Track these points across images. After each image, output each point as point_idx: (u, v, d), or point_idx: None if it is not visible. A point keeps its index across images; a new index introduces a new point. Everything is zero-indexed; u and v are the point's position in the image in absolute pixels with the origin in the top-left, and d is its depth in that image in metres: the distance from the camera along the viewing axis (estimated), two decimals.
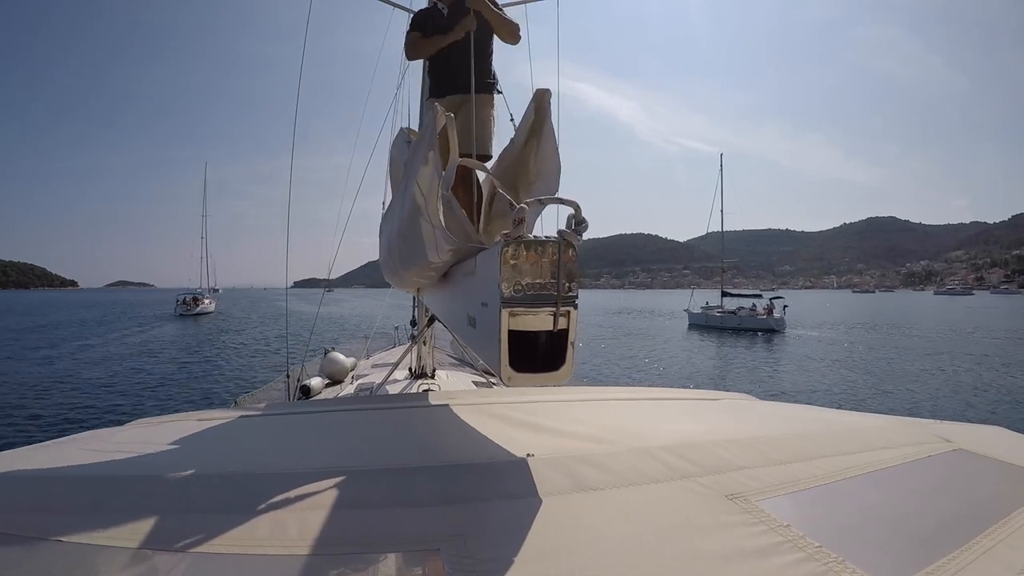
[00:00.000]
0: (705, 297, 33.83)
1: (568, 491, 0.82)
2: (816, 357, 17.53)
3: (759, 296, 29.52)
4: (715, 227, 33.02)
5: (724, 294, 29.94)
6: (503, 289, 0.78)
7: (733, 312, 27.93)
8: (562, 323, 0.82)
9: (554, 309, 0.80)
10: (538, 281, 0.79)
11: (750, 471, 0.90)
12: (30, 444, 1.29)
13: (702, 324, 28.59)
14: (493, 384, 3.55)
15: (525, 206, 0.80)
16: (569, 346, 0.85)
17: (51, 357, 17.08)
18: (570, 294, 0.81)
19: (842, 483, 0.89)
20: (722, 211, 32.48)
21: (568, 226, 0.83)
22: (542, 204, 0.85)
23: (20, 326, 31.09)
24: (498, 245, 0.80)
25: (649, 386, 2.30)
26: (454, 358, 4.82)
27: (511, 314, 0.78)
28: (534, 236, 0.80)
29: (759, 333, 25.05)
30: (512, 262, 0.78)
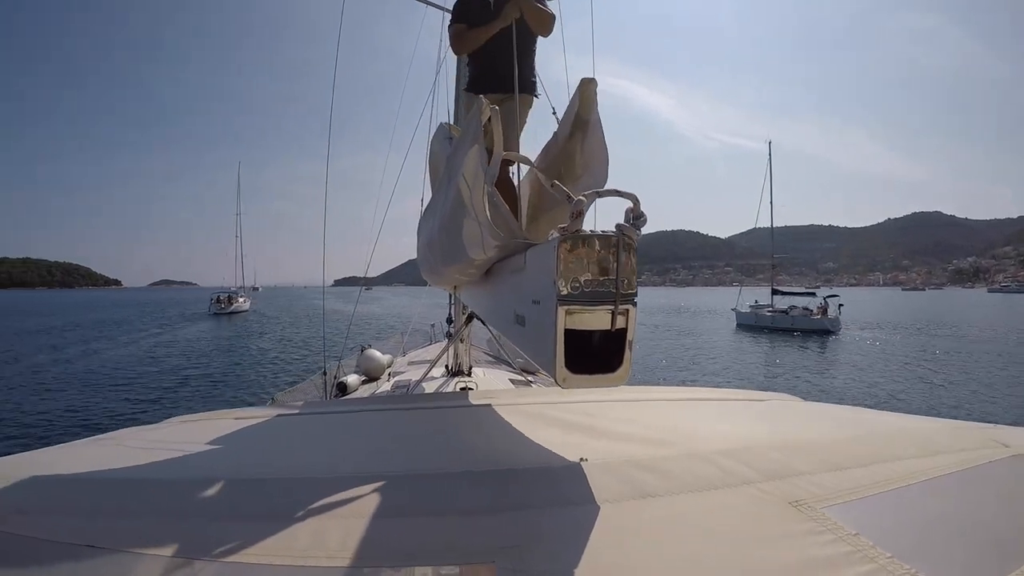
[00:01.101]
0: (753, 295, 32.58)
1: (625, 498, 0.80)
2: (880, 362, 16.42)
3: (812, 295, 28.04)
4: (763, 221, 32.22)
5: (774, 292, 28.68)
6: (560, 286, 0.75)
7: (784, 311, 26.63)
8: (620, 322, 0.78)
9: (612, 307, 0.77)
10: (596, 278, 0.76)
11: (811, 476, 0.88)
12: (73, 440, 1.32)
13: (751, 324, 27.46)
14: (531, 382, 3.54)
15: (584, 199, 0.77)
16: (627, 346, 0.81)
17: (84, 353, 18.06)
18: (629, 291, 0.78)
19: (904, 489, 0.87)
20: (771, 203, 30.99)
21: (627, 220, 0.79)
22: (599, 196, 0.82)
23: (50, 325, 32.48)
24: (554, 240, 0.77)
25: (690, 385, 2.24)
26: (490, 355, 4.83)
27: (568, 312, 0.75)
28: (591, 231, 0.77)
29: (812, 335, 23.78)
30: (569, 258, 0.75)
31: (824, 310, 25.27)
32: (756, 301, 30.04)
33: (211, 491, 0.84)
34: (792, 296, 28.60)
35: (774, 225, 31.18)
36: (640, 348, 19.23)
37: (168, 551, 0.66)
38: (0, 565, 0.66)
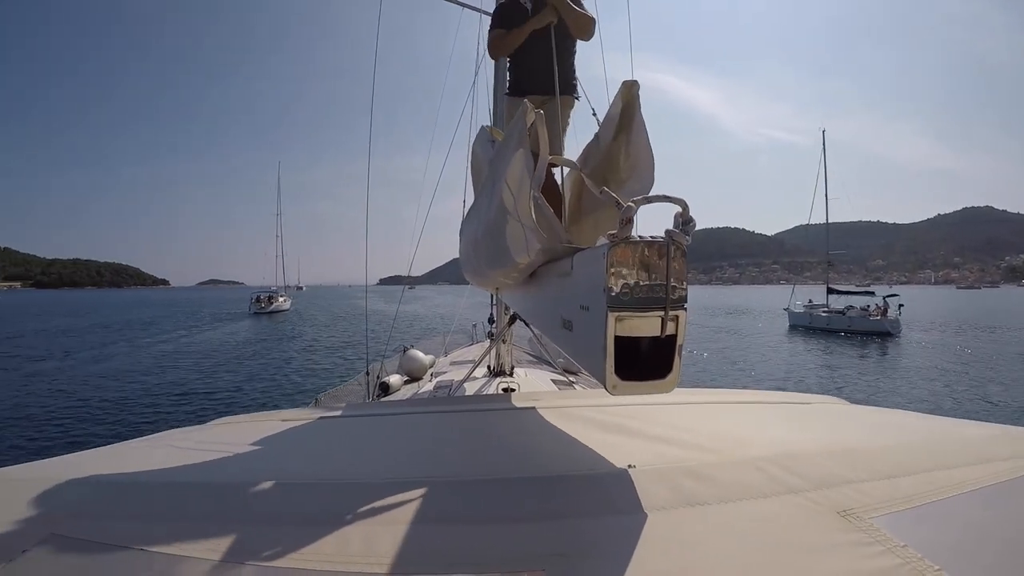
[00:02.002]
0: (806, 294, 30.85)
1: (674, 506, 0.80)
2: (948, 369, 15.16)
3: (871, 293, 26.29)
4: (817, 216, 30.70)
5: (830, 291, 27.08)
6: (610, 292, 0.76)
7: (841, 312, 25.11)
8: (670, 328, 0.79)
9: (663, 313, 0.77)
10: (646, 284, 0.77)
11: (859, 485, 0.86)
12: (125, 441, 1.38)
13: (805, 325, 26.17)
14: (573, 384, 3.53)
15: (632, 204, 0.78)
16: (677, 353, 0.82)
17: (127, 351, 19.08)
18: (679, 297, 0.78)
19: (956, 499, 0.84)
20: (826, 196, 29.43)
21: (675, 225, 0.80)
22: (649, 202, 0.82)
23: (85, 324, 34.17)
24: (603, 246, 0.78)
25: (736, 388, 2.20)
26: (532, 356, 4.85)
27: (618, 319, 0.76)
28: (640, 236, 0.78)
29: (872, 337, 22.33)
30: (619, 264, 0.76)
31: (884, 311, 23.82)
32: (810, 300, 28.63)
33: (257, 495, 0.86)
34: (850, 295, 27.00)
35: (822, 221, 29.78)
36: (686, 352, 18.65)
37: (215, 554, 0.68)
38: (52, 568, 0.68)
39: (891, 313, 23.62)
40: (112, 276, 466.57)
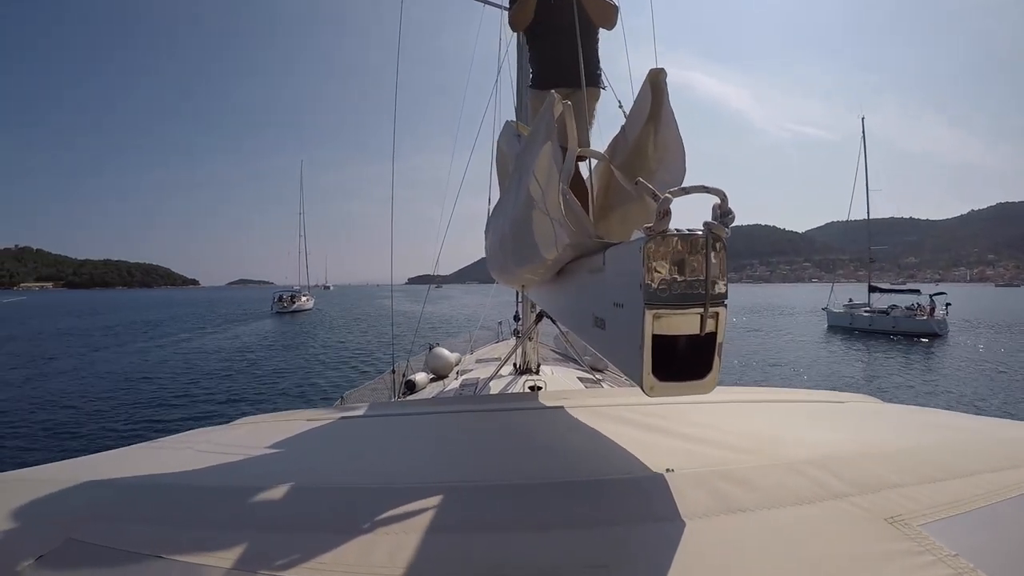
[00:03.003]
0: (846, 293, 29.48)
1: (714, 513, 0.77)
2: (1011, 373, 13.83)
3: (916, 291, 24.64)
4: (857, 209, 29.62)
5: (872, 289, 25.69)
6: (647, 288, 0.73)
7: (884, 312, 23.56)
8: (710, 325, 0.75)
9: (702, 310, 0.74)
10: (684, 279, 0.73)
11: (905, 490, 0.84)
12: (149, 440, 1.38)
13: (845, 326, 24.76)
14: (600, 381, 3.49)
15: (670, 196, 0.74)
16: (716, 351, 0.78)
17: (155, 347, 19.29)
18: (719, 293, 0.75)
19: (1006, 504, 0.81)
20: (867, 187, 27.47)
21: (714, 217, 0.76)
22: (686, 193, 0.78)
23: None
24: (639, 240, 0.75)
25: (766, 386, 2.16)
26: (557, 353, 4.82)
27: (655, 316, 0.73)
28: (676, 229, 0.74)
29: (918, 339, 20.76)
30: (656, 258, 0.73)
31: (931, 310, 22.22)
32: (850, 300, 27.29)
33: (278, 500, 0.85)
34: (893, 294, 25.57)
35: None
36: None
37: (234, 563, 0.67)
38: (69, 574, 0.67)
39: (938, 312, 22.22)
40: (142, 276, 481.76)
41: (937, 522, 0.74)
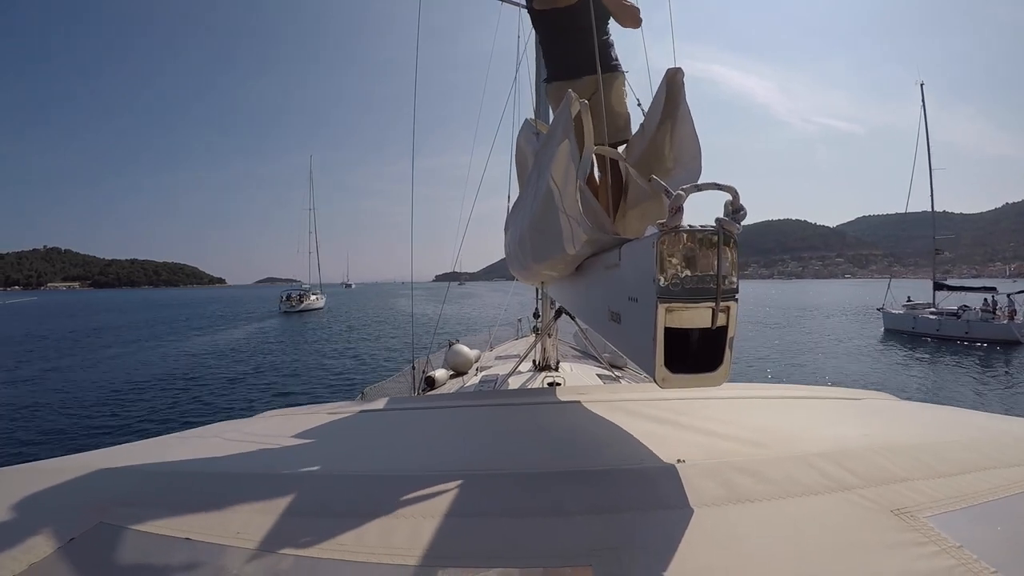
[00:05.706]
0: (904, 290, 25.72)
1: (723, 502, 0.80)
2: None
3: (992, 289, 19.92)
4: (918, 196, 27.10)
5: (938, 286, 21.97)
6: (659, 283, 0.77)
7: (955, 314, 19.69)
8: (721, 319, 0.79)
9: (713, 304, 0.78)
10: (696, 274, 0.77)
11: (913, 483, 0.86)
12: (180, 431, 1.45)
13: (907, 331, 20.97)
14: (619, 378, 3.52)
15: (683, 193, 0.78)
16: (728, 345, 0.82)
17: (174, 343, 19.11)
18: (731, 287, 0.78)
19: (1013, 499, 0.83)
20: (930, 166, 23.07)
21: (726, 214, 0.80)
22: (699, 190, 0.82)
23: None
24: (652, 236, 0.79)
25: (783, 383, 2.16)
26: (576, 350, 4.85)
27: (668, 310, 0.77)
28: (689, 225, 0.78)
29: (994, 347, 17.33)
30: (669, 254, 0.77)
31: (1012, 313, 18.40)
32: (908, 298, 23.65)
33: (303, 486, 0.89)
34: (964, 292, 21.31)
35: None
36: (759, 362, 15.39)
37: (261, 544, 0.70)
38: (99, 555, 0.71)
39: (1019, 315, 18.29)
40: (169, 275, 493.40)
41: (943, 515, 0.76)
